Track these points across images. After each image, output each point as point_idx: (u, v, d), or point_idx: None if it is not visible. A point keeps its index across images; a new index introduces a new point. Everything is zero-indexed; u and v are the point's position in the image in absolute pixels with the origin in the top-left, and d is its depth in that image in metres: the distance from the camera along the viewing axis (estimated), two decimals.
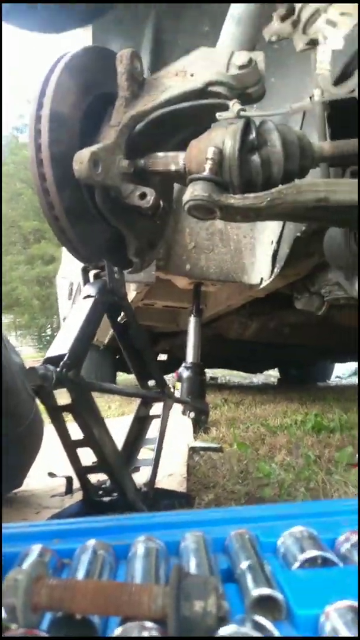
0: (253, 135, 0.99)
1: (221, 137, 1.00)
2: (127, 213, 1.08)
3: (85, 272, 1.01)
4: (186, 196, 0.95)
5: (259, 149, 0.99)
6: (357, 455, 1.42)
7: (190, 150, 1.03)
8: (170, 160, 1.07)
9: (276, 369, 6.23)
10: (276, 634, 0.36)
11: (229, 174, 0.97)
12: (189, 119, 1.14)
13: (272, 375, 7.38)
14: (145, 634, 0.35)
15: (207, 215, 0.98)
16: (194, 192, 0.94)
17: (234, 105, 1.03)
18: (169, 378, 3.56)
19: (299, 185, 0.96)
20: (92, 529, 0.54)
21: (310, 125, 1.39)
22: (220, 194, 0.95)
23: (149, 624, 0.36)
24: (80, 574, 0.44)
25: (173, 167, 1.06)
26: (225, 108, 1.03)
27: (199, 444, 1.64)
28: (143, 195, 1.03)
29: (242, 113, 1.01)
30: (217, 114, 1.03)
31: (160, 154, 1.08)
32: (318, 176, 1.10)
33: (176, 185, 1.41)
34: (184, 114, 1.10)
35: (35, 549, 0.49)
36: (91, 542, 0.49)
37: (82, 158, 0.95)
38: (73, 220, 0.99)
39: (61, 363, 0.78)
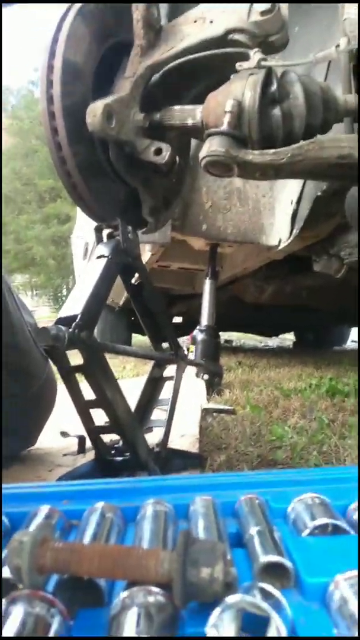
0: (274, 87, 0.94)
1: (241, 89, 0.95)
2: (142, 170, 1.05)
3: (98, 231, 0.98)
4: (203, 152, 0.91)
5: (280, 101, 0.94)
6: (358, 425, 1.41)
7: (208, 103, 0.98)
8: (187, 113, 1.02)
9: (292, 333, 6.21)
10: (283, 602, 0.35)
11: (248, 128, 0.93)
12: (207, 69, 1.08)
13: (288, 338, 7.36)
14: (151, 598, 0.35)
15: (224, 172, 0.94)
16: (211, 147, 0.91)
17: (255, 55, 0.97)
18: (184, 340, 3.56)
19: (321, 140, 0.92)
20: (102, 490, 0.54)
21: (335, 77, 1.31)
22: (239, 150, 0.91)
23: (155, 588, 0.36)
24: (88, 536, 0.45)
25: (190, 121, 1.01)
26: (245, 58, 0.98)
27: (212, 405, 1.65)
28: (158, 151, 0.99)
29: (263, 63, 0.95)
30: (237, 64, 0.97)
31: (177, 107, 1.04)
32: (342, 131, 1.05)
33: (193, 141, 1.36)
34: (203, 64, 1.05)
35: (44, 509, 0.49)
36: (99, 504, 0.49)
37: (95, 111, 0.91)
38: (86, 176, 0.96)
39: (73, 324, 0.77)
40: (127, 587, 0.37)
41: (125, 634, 0.32)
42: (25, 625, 0.33)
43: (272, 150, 0.91)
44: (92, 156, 0.99)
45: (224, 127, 0.91)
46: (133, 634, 0.32)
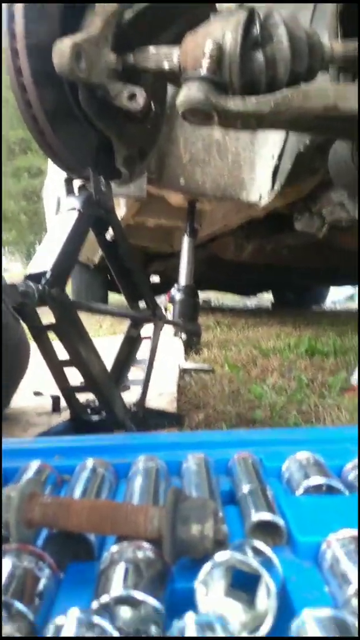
0: (257, 29, 0.88)
1: (221, 31, 0.88)
2: (115, 116, 0.98)
3: (68, 182, 0.93)
4: (180, 97, 0.86)
5: (263, 45, 0.89)
6: (353, 378, 1.42)
7: (186, 45, 0.91)
8: (163, 56, 0.95)
9: (270, 293, 6.23)
10: (275, 559, 0.35)
11: (229, 72, 0.87)
12: (185, 6, 1.01)
13: (266, 298, 7.40)
14: (140, 554, 0.35)
15: (203, 120, 0.89)
16: (189, 93, 0.85)
17: None
18: (162, 300, 3.53)
19: (306, 90, 0.87)
20: (95, 446, 0.54)
21: (321, 23, 1.25)
22: (219, 96, 0.85)
23: (145, 544, 0.36)
24: (78, 491, 0.45)
25: (166, 65, 0.95)
26: None
27: (190, 365, 1.64)
28: (132, 96, 0.92)
29: (245, 3, 0.89)
30: (217, 3, 0.91)
31: (152, 48, 0.97)
32: (327, 81, 1.00)
33: (171, 87, 1.29)
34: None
35: (35, 464, 0.50)
36: (91, 460, 0.50)
37: (62, 50, 0.84)
38: (54, 122, 0.89)
39: (43, 280, 0.73)
40: (117, 542, 0.37)
41: (113, 589, 0.32)
42: (14, 578, 0.33)
43: (254, 98, 0.86)
44: (61, 100, 0.92)
45: (203, 71, 0.86)
46: (120, 589, 0.32)
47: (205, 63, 0.86)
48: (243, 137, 1.82)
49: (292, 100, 0.87)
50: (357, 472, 0.48)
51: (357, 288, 5.51)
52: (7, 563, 0.34)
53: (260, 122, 0.91)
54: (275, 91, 0.88)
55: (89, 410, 0.91)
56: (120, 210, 2.30)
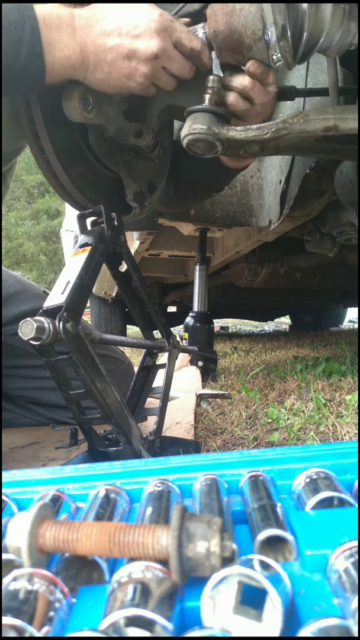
0: None
1: None
2: (124, 154, 1.02)
3: (82, 219, 0.96)
4: (184, 130, 0.89)
5: None
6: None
7: None
8: None
9: (288, 316, 6.21)
10: (283, 573, 0.35)
11: None
12: None
13: (284, 322, 7.37)
14: (150, 574, 0.35)
15: (207, 150, 0.92)
16: (192, 125, 0.88)
17: None
18: (180, 329, 3.54)
19: (306, 113, 0.89)
20: (107, 473, 0.54)
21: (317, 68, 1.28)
22: (221, 126, 0.88)
23: (154, 564, 0.36)
24: (91, 518, 0.45)
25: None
26: None
27: (207, 391, 1.63)
28: (139, 133, 0.96)
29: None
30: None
31: None
32: (327, 104, 1.02)
33: (177, 125, 1.33)
34: None
35: (49, 493, 0.50)
36: (104, 486, 0.50)
37: (70, 94, 0.88)
38: (66, 164, 0.93)
39: (58, 315, 0.75)
40: (128, 564, 0.37)
41: (122, 610, 0.32)
42: (25, 602, 0.33)
43: (255, 126, 0.89)
44: (72, 143, 0.95)
45: (205, 103, 0.89)
46: (129, 609, 0.32)
47: (207, 96, 0.89)
48: (250, 165, 1.86)
49: (293, 124, 0.89)
50: None
51: None
52: (19, 587, 0.34)
53: (263, 148, 0.93)
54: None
55: (106, 442, 0.91)
56: (135, 244, 2.34)
